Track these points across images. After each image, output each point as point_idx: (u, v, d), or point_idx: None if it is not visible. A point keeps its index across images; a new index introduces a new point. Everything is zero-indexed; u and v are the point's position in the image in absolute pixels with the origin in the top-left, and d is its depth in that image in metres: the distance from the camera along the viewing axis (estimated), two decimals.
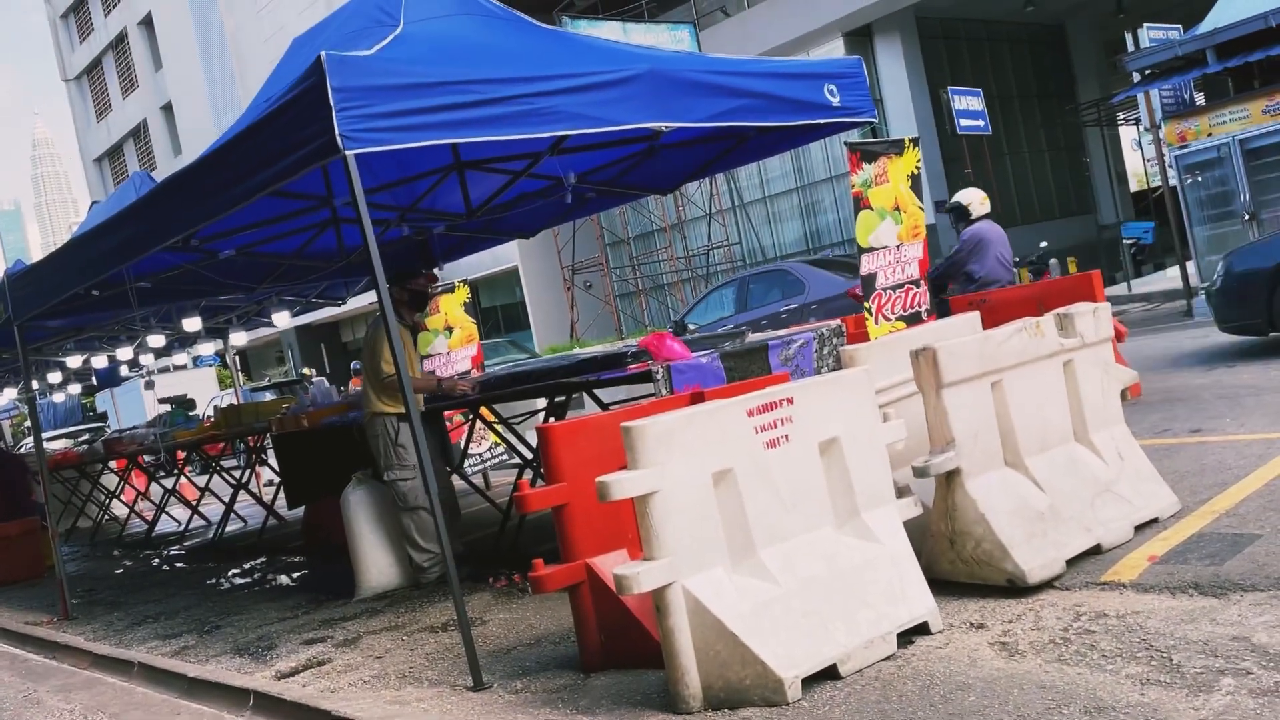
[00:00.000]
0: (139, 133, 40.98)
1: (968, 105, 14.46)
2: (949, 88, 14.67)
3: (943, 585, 4.01)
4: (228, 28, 32.95)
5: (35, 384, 12.40)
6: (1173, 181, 14.76)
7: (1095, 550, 4.15)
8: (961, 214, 8.28)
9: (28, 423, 32.23)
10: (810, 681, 3.36)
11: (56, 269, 7.02)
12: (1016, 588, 3.93)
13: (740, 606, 3.41)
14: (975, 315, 5.41)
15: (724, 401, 3.70)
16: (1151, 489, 4.57)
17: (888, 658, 3.52)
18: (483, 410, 7.85)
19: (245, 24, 32.16)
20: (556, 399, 7.11)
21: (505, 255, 23.43)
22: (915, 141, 6.33)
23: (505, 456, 10.87)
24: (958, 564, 4.12)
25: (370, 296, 13.59)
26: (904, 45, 20.96)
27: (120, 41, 40.57)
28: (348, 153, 4.03)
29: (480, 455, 9.30)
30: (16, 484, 11.27)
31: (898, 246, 6.05)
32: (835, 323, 6.01)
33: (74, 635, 6.67)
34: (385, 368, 5.91)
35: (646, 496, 3.39)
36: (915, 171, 6.19)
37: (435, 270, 6.55)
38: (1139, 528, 4.33)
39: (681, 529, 3.42)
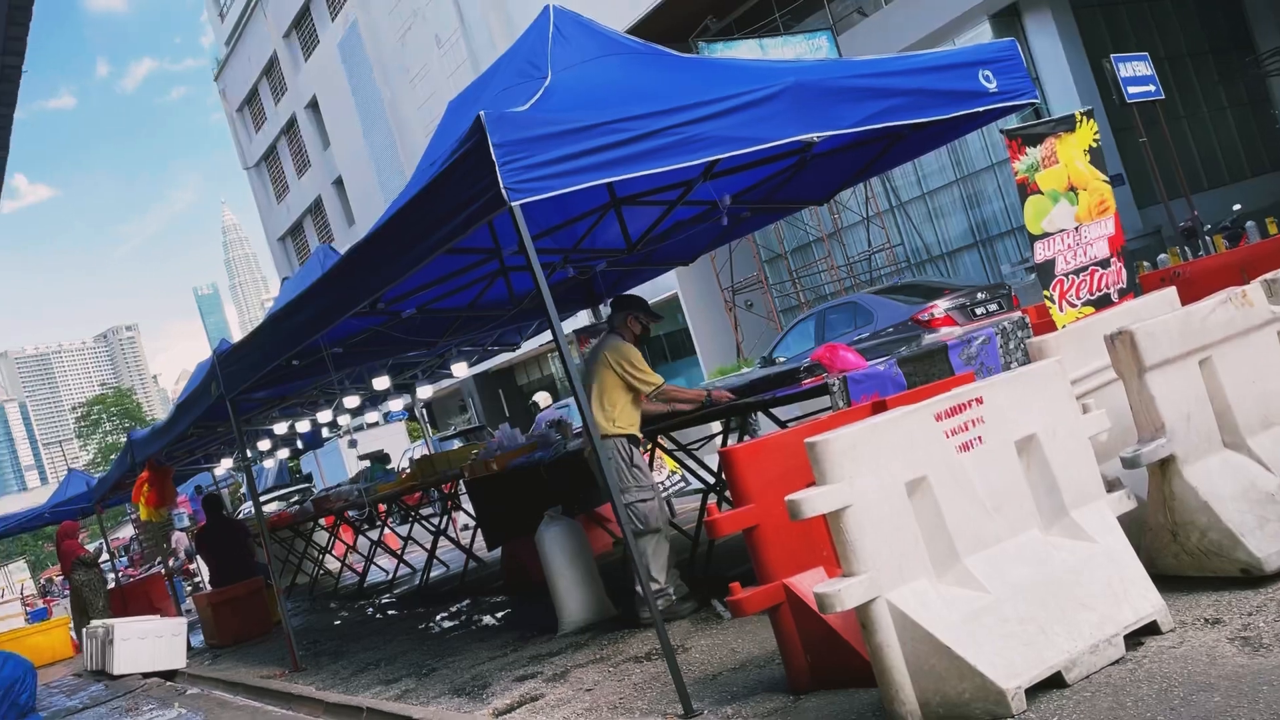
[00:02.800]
0: (315, 209, 43.84)
1: (1134, 71, 13.62)
2: (1111, 56, 13.88)
3: (1169, 580, 3.76)
4: (385, 99, 34.90)
5: (248, 453, 13.36)
6: None
7: None
8: None
9: (243, 489, 34.81)
10: (1034, 691, 3.21)
11: (259, 345, 7.58)
12: (1252, 577, 3.64)
13: (949, 617, 3.30)
14: (1171, 291, 5.07)
15: (910, 408, 3.61)
16: None
17: (1116, 661, 3.33)
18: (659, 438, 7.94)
19: (400, 93, 33.98)
20: (732, 421, 7.14)
21: (665, 284, 23.63)
22: (1089, 114, 6.03)
23: (683, 484, 10.93)
24: (1183, 557, 3.85)
25: (541, 339, 14.01)
26: (1056, 18, 19.99)
27: (291, 126, 43.64)
28: (513, 204, 4.19)
29: (660, 484, 9.39)
30: (240, 548, 12.16)
31: (1076, 228, 5.75)
32: (1017, 314, 5.77)
33: (305, 685, 7.11)
34: (642, 384, 5.84)
35: (839, 512, 3.34)
36: (1094, 144, 5.89)
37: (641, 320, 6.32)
38: None
39: (879, 542, 3.35)
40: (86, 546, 16.40)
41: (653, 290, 23.80)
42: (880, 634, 3.31)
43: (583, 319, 13.10)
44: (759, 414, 7.14)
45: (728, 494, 7.39)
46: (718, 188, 6.59)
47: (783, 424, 6.15)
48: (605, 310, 10.22)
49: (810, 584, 3.72)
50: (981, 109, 5.80)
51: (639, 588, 5.59)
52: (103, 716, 9.08)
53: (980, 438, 3.58)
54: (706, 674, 4.58)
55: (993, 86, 5.77)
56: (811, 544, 3.99)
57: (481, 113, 4.25)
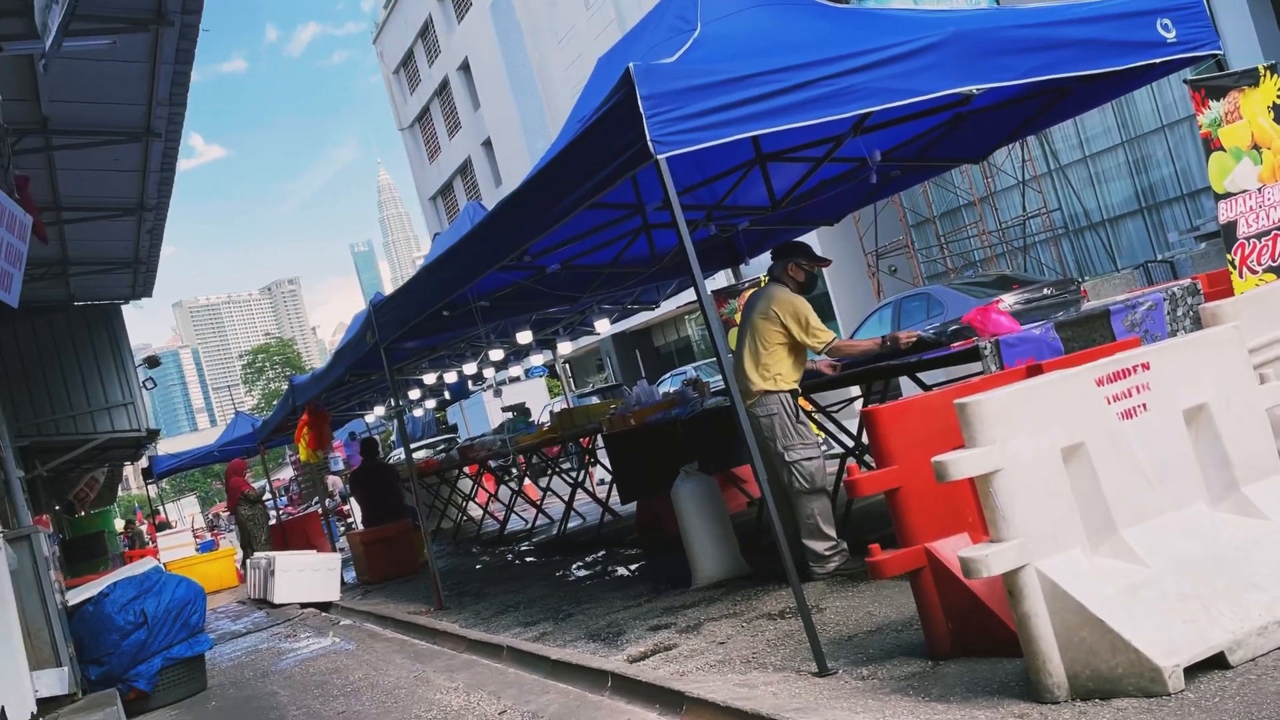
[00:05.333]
0: (465, 169, 45.00)
1: None
2: None
3: None
4: (533, 61, 35.38)
5: (399, 400, 13.94)
6: None
7: None
8: None
9: (393, 437, 36.39)
10: (1193, 671, 3.05)
11: (412, 295, 7.86)
12: None
13: (1104, 590, 3.16)
14: None
15: (1069, 371, 3.46)
16: None
17: None
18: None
19: (549, 55, 34.38)
20: (875, 385, 6.99)
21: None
22: (1273, 68, 5.58)
23: (825, 447, 10.82)
24: None
25: (684, 297, 14.06)
26: None
27: (443, 88, 44.80)
28: (660, 157, 4.19)
29: None
30: (391, 491, 12.75)
31: (1260, 189, 5.35)
32: (1188, 281, 5.42)
33: (449, 623, 7.42)
34: (812, 339, 5.59)
35: (989, 475, 3.24)
36: (1278, 101, 5.45)
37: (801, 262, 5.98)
38: None
39: (1030, 508, 3.23)
40: (251, 484, 17.51)
41: None
42: (1028, 602, 3.20)
43: (721, 280, 13.05)
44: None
45: (866, 458, 7.30)
46: (867, 143, 6.43)
47: (927, 388, 5.98)
48: (746, 270, 10.16)
49: (954, 549, 3.63)
50: (1158, 60, 5.44)
51: (809, 543, 5.54)
52: (264, 640, 9.73)
53: (1144, 405, 3.40)
54: (841, 635, 4.54)
55: (1171, 36, 5.40)
56: (956, 509, 3.88)
57: (630, 65, 4.25)
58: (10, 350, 12.93)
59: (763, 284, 9.73)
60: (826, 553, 5.58)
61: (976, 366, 5.16)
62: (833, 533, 5.57)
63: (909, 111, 5.89)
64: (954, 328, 5.88)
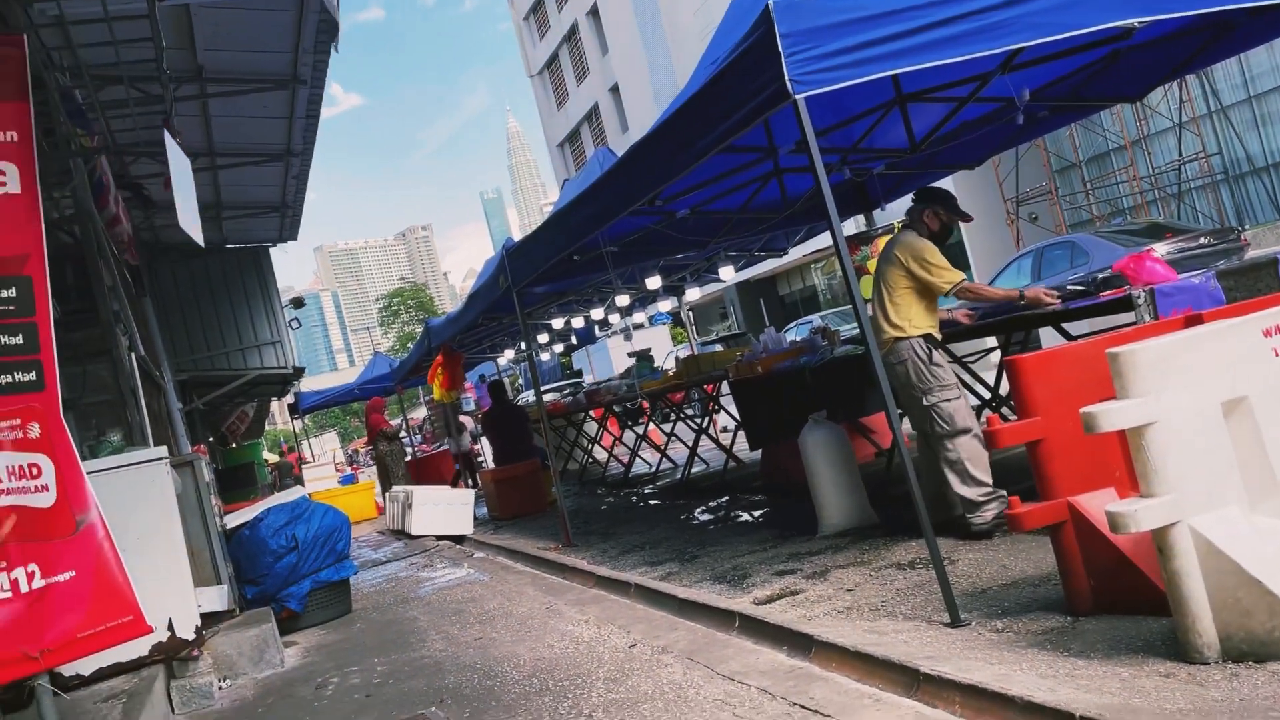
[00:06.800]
0: (592, 115, 45.13)
1: None
2: None
3: None
4: (662, 5, 35.02)
5: (529, 343, 14.25)
6: None
7: None
8: None
9: (520, 380, 37.26)
10: None
11: (543, 240, 7.98)
12: None
13: (1263, 550, 3.01)
14: None
15: (1232, 321, 3.27)
16: None
17: None
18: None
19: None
20: (1015, 335, 6.76)
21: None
22: None
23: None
24: None
25: (810, 246, 13.84)
26: None
27: (572, 34, 44.87)
28: (798, 97, 4.10)
29: None
30: (520, 431, 13.09)
31: None
32: None
33: (578, 559, 7.62)
34: (937, 278, 5.38)
35: (1141, 428, 3.11)
36: None
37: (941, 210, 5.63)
38: None
39: (1184, 463, 3.09)
40: (389, 421, 18.26)
41: None
42: (1179, 560, 3.08)
43: (851, 227, 12.76)
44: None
45: (1003, 410, 7.09)
46: (1015, 82, 6.14)
47: (1071, 339, 5.75)
48: (879, 215, 9.91)
49: (1099, 504, 3.51)
50: None
51: (960, 489, 5.28)
52: (403, 569, 10.21)
53: None
54: (974, 588, 4.47)
55: None
56: (1102, 462, 3.75)
57: (769, 2, 4.15)
58: (170, 291, 13.78)
59: (897, 230, 9.53)
60: (981, 499, 5.24)
61: (1127, 317, 4.93)
62: (986, 478, 5.25)
63: (1062, 47, 5.61)
64: (1103, 276, 5.62)
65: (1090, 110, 8.38)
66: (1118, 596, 3.62)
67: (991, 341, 7.71)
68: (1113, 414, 3.11)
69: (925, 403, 5.36)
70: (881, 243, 9.51)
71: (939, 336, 5.58)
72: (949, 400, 5.32)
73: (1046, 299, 5.46)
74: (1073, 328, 6.23)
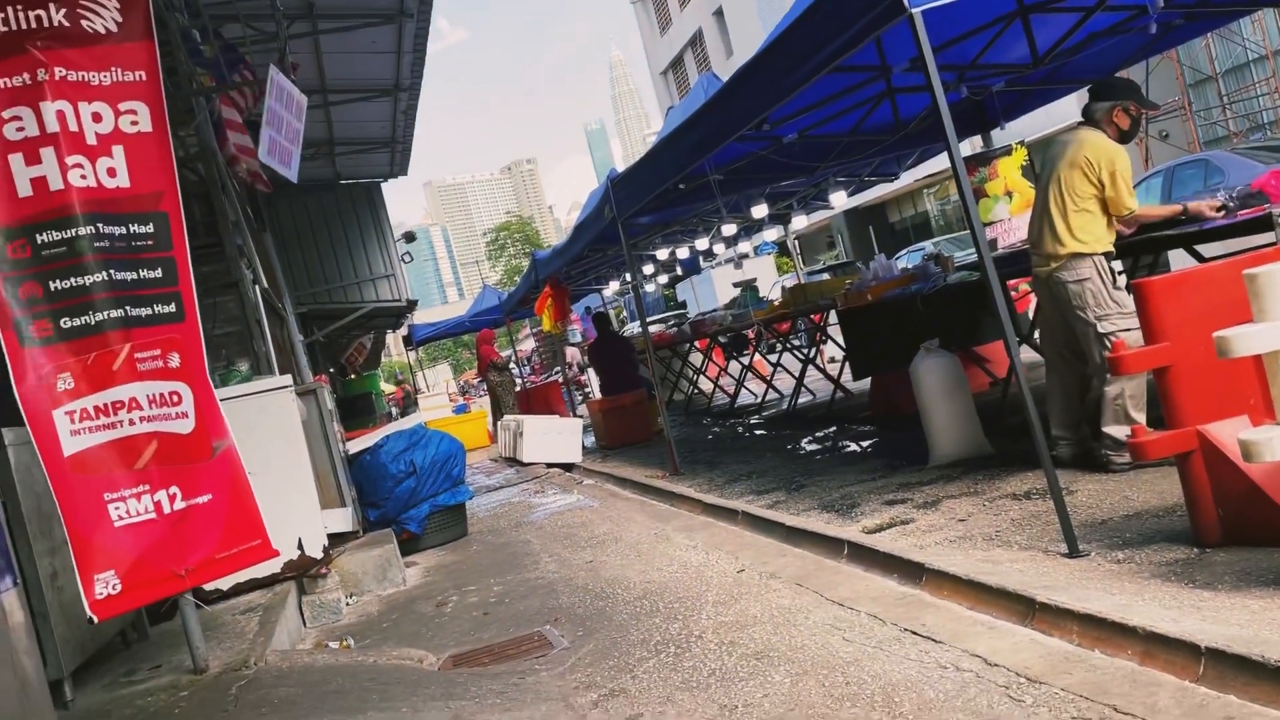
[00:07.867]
0: (695, 41, 44.29)
1: None
2: None
3: None
4: None
5: (634, 274, 14.27)
6: None
7: None
8: None
9: (625, 312, 37.48)
10: None
11: (648, 169, 7.93)
12: None
13: None
14: None
15: None
16: None
17: None
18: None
19: None
20: (1143, 258, 6.46)
21: (1062, 112, 21.40)
22: None
23: None
24: None
25: (921, 170, 13.40)
26: None
27: None
28: (914, 10, 3.94)
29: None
30: (626, 362, 13.21)
31: None
32: None
33: (685, 487, 7.71)
34: (1129, 199, 4.93)
35: (1278, 353, 2.95)
36: None
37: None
38: None
39: None
40: (499, 353, 18.65)
41: (1047, 119, 21.64)
42: None
43: (967, 149, 12.28)
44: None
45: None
46: None
47: (1203, 261, 5.44)
48: (998, 135, 9.50)
49: (1231, 432, 3.37)
50: None
51: (1110, 428, 4.91)
52: (515, 495, 10.51)
53: None
54: (1094, 519, 4.35)
55: None
56: (1234, 390, 3.59)
57: None
58: (288, 225, 14.24)
59: (1014, 150, 9.12)
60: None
61: (1266, 237, 4.65)
62: (1143, 419, 4.79)
63: None
64: (1240, 195, 5.28)
65: (1229, 18, 7.81)
66: (1248, 528, 3.48)
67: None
68: (1248, 338, 2.96)
69: (1101, 329, 4.88)
70: (1003, 164, 9.17)
71: (1115, 254, 5.10)
72: (1129, 330, 4.70)
73: (1210, 212, 5.01)
74: (1206, 250, 5.90)
